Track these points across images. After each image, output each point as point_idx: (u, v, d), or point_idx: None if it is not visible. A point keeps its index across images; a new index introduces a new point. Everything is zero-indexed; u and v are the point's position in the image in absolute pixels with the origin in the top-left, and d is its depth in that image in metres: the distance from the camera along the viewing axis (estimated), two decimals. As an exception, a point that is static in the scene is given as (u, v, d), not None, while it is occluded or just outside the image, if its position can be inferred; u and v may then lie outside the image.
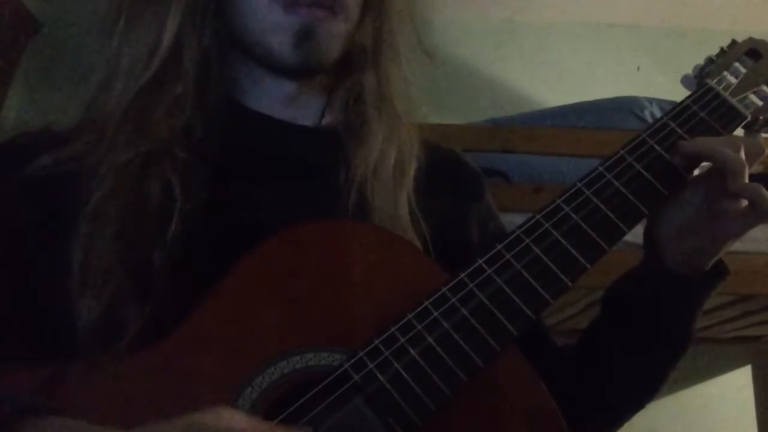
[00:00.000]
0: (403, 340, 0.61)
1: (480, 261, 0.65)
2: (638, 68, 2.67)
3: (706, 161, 0.70)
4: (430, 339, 0.61)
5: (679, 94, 0.78)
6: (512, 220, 0.78)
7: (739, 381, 2.44)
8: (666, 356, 0.76)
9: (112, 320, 0.64)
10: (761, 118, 0.77)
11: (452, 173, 0.87)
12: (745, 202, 0.68)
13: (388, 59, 0.82)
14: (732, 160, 0.67)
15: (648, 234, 0.76)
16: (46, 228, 0.70)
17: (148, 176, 0.70)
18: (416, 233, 0.75)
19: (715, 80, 0.77)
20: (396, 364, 0.60)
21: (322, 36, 0.75)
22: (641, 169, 0.70)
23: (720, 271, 0.74)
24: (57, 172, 0.70)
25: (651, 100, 1.98)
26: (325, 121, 0.82)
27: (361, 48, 0.81)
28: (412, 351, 0.61)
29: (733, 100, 0.75)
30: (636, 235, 1.78)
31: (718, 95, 0.75)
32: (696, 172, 0.72)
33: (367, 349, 0.61)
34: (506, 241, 0.66)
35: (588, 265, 0.66)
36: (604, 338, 0.78)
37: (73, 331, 0.64)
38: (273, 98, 0.80)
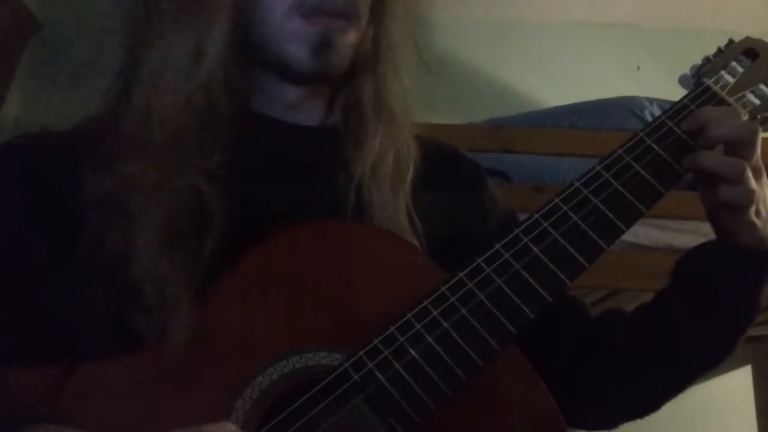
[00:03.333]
0: (402, 339, 0.61)
1: (479, 260, 0.65)
2: (638, 68, 2.67)
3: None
4: (429, 338, 0.61)
5: (679, 94, 0.78)
6: (512, 220, 0.78)
7: (739, 381, 2.44)
8: (732, 325, 0.76)
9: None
10: (759, 116, 0.77)
11: (449, 167, 0.87)
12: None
13: (386, 63, 0.82)
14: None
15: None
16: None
17: (187, 177, 0.69)
18: (414, 235, 0.74)
19: (712, 79, 0.77)
20: (396, 364, 0.60)
21: (339, 46, 0.75)
22: (639, 168, 0.70)
23: None
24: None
25: (651, 100, 1.98)
26: (327, 122, 0.82)
27: (362, 52, 0.81)
28: (411, 350, 0.61)
29: (731, 99, 0.75)
30: (636, 234, 1.79)
31: (715, 94, 0.75)
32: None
33: (366, 349, 0.61)
34: (504, 240, 0.66)
35: (586, 264, 0.66)
36: (670, 304, 0.77)
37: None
38: (278, 103, 0.80)
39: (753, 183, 0.69)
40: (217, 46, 0.73)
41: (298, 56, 0.75)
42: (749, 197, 0.68)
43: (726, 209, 0.70)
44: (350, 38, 0.76)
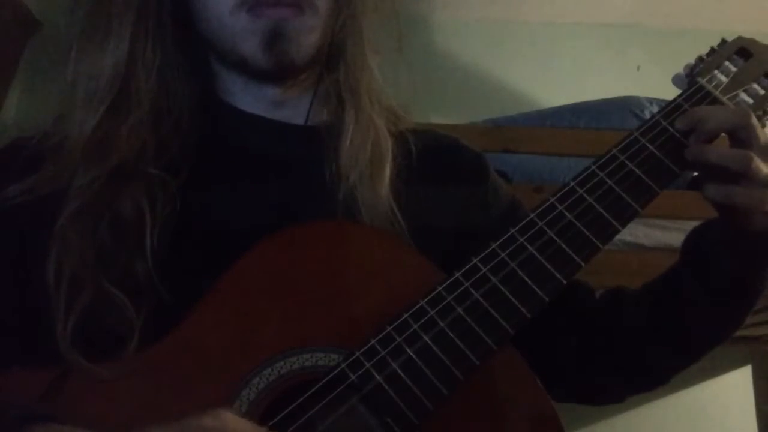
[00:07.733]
0: (399, 339, 0.61)
1: (475, 260, 0.65)
2: (638, 68, 2.67)
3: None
4: (426, 338, 0.62)
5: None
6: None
7: (739, 381, 2.44)
8: (741, 302, 0.75)
9: (99, 332, 0.64)
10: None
11: (449, 159, 0.86)
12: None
13: (355, 52, 0.81)
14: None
15: None
16: (22, 253, 0.70)
17: (118, 194, 0.70)
18: (399, 226, 0.74)
19: (705, 79, 0.77)
20: (393, 364, 0.60)
21: (291, 35, 0.74)
22: (633, 167, 0.70)
23: None
24: (25, 200, 0.70)
25: (651, 100, 1.98)
26: (313, 119, 0.82)
27: (336, 43, 0.81)
28: (408, 350, 0.61)
29: (724, 98, 0.75)
30: (635, 235, 1.77)
31: (708, 93, 0.75)
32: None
33: (363, 349, 0.61)
34: (500, 240, 0.66)
35: (582, 263, 0.66)
36: (680, 282, 0.76)
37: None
38: (262, 102, 0.80)
39: (764, 170, 0.67)
40: (122, 60, 0.74)
41: (252, 53, 0.75)
42: (763, 199, 0.67)
43: (739, 212, 0.68)
44: (305, 24, 0.75)
